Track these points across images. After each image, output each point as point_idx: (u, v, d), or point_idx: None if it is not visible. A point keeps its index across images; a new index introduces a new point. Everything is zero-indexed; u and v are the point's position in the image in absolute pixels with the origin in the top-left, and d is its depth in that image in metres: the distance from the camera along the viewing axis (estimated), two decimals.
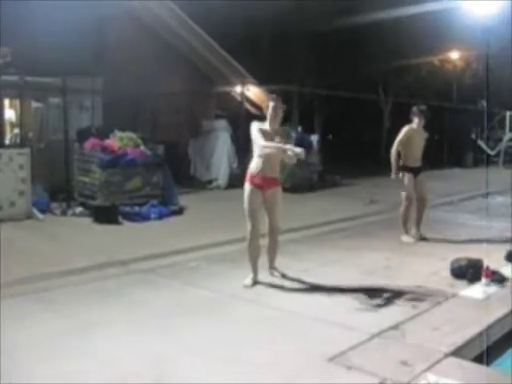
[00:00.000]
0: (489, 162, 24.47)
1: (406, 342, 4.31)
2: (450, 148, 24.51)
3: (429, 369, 3.78)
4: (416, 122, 8.13)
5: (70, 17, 11.02)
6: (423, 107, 8.24)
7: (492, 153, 25.29)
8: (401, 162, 8.16)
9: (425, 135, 8.35)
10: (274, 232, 6.10)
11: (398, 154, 8.13)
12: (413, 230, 8.26)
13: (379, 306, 5.20)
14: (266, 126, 5.96)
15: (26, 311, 5.03)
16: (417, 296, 5.46)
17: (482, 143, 25.36)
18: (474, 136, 25.71)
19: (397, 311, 5.05)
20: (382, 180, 16.49)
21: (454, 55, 24.33)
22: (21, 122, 11.75)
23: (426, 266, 6.68)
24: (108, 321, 4.82)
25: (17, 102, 11.93)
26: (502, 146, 25.45)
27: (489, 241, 7.94)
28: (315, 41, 19.48)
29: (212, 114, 15.77)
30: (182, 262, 6.87)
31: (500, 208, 12.33)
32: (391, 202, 11.58)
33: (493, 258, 6.52)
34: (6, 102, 11.98)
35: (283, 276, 6.11)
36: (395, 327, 4.59)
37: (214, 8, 16.49)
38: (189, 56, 14.87)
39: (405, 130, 8.16)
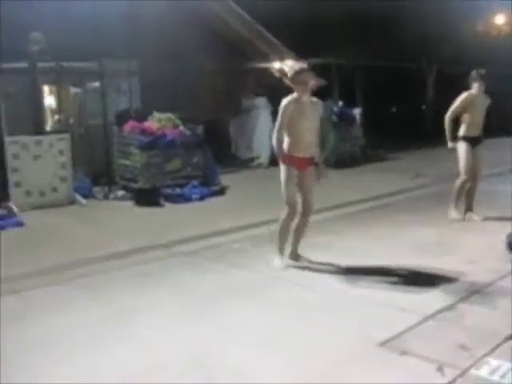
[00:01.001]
0: None
1: (463, 324, 4.05)
2: (497, 115, 23.63)
3: (489, 353, 3.52)
4: (476, 88, 7.47)
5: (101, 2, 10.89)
6: (483, 71, 7.55)
7: None
8: (460, 132, 7.54)
9: (487, 101, 7.68)
10: (307, 212, 5.74)
11: (456, 122, 7.54)
12: (462, 207, 7.71)
13: (432, 285, 4.91)
14: (297, 99, 5.50)
15: (67, 298, 4.97)
16: (472, 273, 5.16)
17: None
18: None
19: (452, 290, 4.78)
20: (428, 152, 16.14)
21: (499, 20, 23.43)
22: (59, 108, 11.73)
23: (480, 241, 6.36)
24: (151, 306, 4.70)
25: (55, 89, 11.94)
26: None
27: None
28: (353, 10, 18.93)
29: (251, 91, 15.50)
30: (226, 244, 6.73)
31: None
32: (438, 176, 11.25)
33: None
34: (46, 88, 11.99)
35: (310, 262, 5.79)
36: (451, 308, 4.33)
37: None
38: (225, 33, 14.58)
39: (463, 96, 7.52)
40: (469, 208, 7.65)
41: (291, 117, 5.43)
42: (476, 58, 21.98)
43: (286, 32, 16.28)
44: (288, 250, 5.79)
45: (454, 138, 7.48)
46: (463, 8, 19.84)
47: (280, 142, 5.49)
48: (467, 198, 7.67)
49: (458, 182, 7.60)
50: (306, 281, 5.22)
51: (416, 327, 3.98)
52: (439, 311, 4.25)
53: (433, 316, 4.16)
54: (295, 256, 5.82)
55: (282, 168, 5.59)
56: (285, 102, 5.48)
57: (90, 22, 10.53)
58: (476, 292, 4.71)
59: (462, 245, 6.28)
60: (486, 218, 7.45)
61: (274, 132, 5.55)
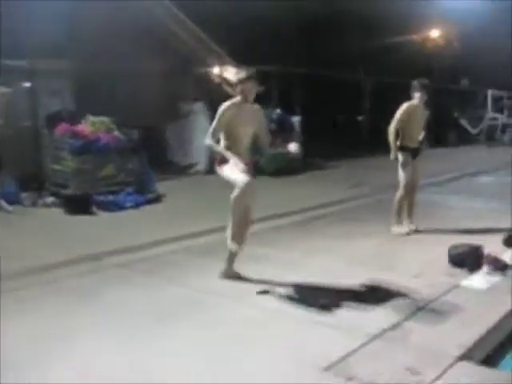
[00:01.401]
0: (471, 140, 24.27)
1: (410, 344, 3.87)
2: (432, 127, 24.13)
3: (440, 376, 3.35)
4: (418, 98, 7.32)
5: None
6: (425, 81, 7.41)
7: (474, 131, 25.06)
8: (398, 142, 7.37)
9: (426, 113, 7.58)
10: (249, 223, 5.54)
11: (397, 134, 7.37)
12: (405, 221, 7.54)
13: (376, 302, 4.72)
14: (238, 105, 5.38)
15: None
16: (414, 289, 5.01)
17: (464, 122, 25.10)
18: (456, 115, 25.41)
19: (396, 307, 4.60)
20: (365, 162, 16.23)
21: (435, 33, 24.01)
22: None
23: (421, 254, 6.26)
24: (80, 327, 4.31)
25: None
26: (484, 124, 25.22)
27: (484, 224, 7.60)
28: (294, 19, 18.94)
29: (190, 96, 15.16)
30: (161, 255, 6.39)
31: (488, 188, 12.04)
32: (376, 185, 11.25)
33: (490, 243, 6.18)
34: None
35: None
36: (396, 326, 4.15)
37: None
38: (165, 36, 14.23)
39: (404, 106, 7.36)
40: (410, 220, 7.55)
41: (229, 122, 5.30)
42: (413, 69, 22.46)
43: (226, 38, 16.07)
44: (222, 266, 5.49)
45: (397, 149, 7.35)
46: (400, 20, 20.18)
47: (212, 145, 5.35)
48: (408, 210, 7.56)
49: (398, 195, 7.44)
50: (246, 296, 4.94)
51: (361, 349, 3.78)
52: (384, 330, 4.07)
53: (378, 336, 3.97)
54: (231, 273, 5.50)
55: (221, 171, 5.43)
56: (224, 106, 5.34)
57: (24, 19, 9.99)
58: (421, 308, 4.55)
59: (403, 258, 6.15)
60: (426, 230, 7.39)
61: (207, 135, 5.35)
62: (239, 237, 5.37)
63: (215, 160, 5.46)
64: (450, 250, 5.75)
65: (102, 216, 8.68)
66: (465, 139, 24.14)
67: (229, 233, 5.37)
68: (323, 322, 4.30)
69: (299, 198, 10.02)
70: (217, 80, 15.65)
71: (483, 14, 21.81)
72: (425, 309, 4.55)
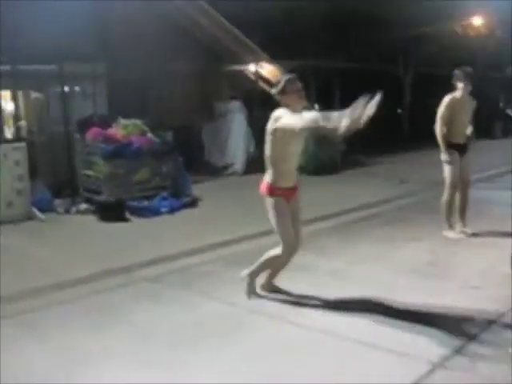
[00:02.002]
0: None
1: (479, 374, 3.36)
2: (477, 118, 23.27)
3: None
4: (462, 88, 6.67)
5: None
6: (469, 69, 6.77)
7: None
8: (444, 139, 6.69)
9: (473, 104, 6.91)
10: (300, 239, 4.84)
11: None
12: (457, 223, 6.93)
13: (433, 321, 4.18)
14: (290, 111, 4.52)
15: (7, 338, 4.18)
16: (477, 303, 4.49)
17: (510, 112, 24.10)
18: (501, 105, 24.42)
19: (456, 328, 4.06)
20: (408, 157, 15.57)
21: (477, 21, 23.05)
22: (17, 114, 10.90)
23: (479, 261, 5.71)
24: (106, 350, 3.94)
25: (17, 93, 11.11)
26: None
27: None
28: (329, 11, 18.36)
29: (225, 95, 14.77)
30: (196, 266, 6.01)
31: None
32: (423, 181, 10.66)
33: None
34: (3, 94, 11.12)
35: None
36: (460, 351, 3.64)
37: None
38: (197, 35, 13.86)
39: (447, 99, 6.72)
40: (463, 222, 6.96)
41: (286, 138, 4.46)
42: (454, 60, 21.65)
43: (260, 33, 15.65)
44: (261, 280, 5.03)
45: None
46: (440, 8, 19.40)
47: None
48: (460, 211, 6.96)
49: (445, 196, 6.82)
50: (289, 316, 4.47)
51: (424, 379, 3.28)
52: (448, 357, 3.56)
53: (441, 364, 3.46)
54: (271, 287, 5.04)
55: (268, 201, 4.68)
56: (280, 112, 4.48)
57: (54, 23, 9.75)
58: (485, 328, 4.02)
59: (459, 266, 5.61)
60: (481, 232, 6.81)
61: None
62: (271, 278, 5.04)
63: (264, 185, 4.69)
64: None
65: (136, 222, 8.32)
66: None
67: (276, 259, 4.80)
68: (377, 345, 3.81)
69: (342, 198, 9.51)
70: (253, 77, 15.25)
71: None
72: (490, 329, 4.02)
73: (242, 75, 15.09)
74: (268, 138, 4.56)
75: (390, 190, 10.22)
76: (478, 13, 22.36)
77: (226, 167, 13.35)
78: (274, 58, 14.83)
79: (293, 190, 4.72)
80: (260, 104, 14.69)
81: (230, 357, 3.78)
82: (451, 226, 6.86)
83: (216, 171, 13.11)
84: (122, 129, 9.59)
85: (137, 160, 9.34)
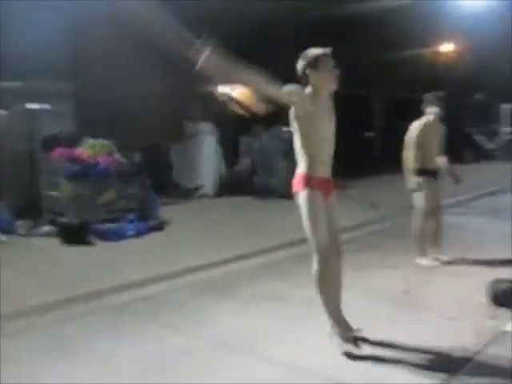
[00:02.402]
0: (487, 156, 23.56)
1: None
2: (447, 143, 23.46)
3: None
4: (433, 112, 6.57)
5: (36, 16, 9.86)
6: (440, 93, 6.67)
7: (490, 147, 24.33)
8: (415, 165, 6.53)
9: (443, 129, 6.79)
10: (340, 250, 4.27)
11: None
12: (430, 250, 6.71)
13: (411, 356, 3.96)
14: (314, 98, 4.03)
15: None
16: (455, 336, 4.30)
17: (479, 138, 24.39)
18: (470, 130, 24.71)
19: (433, 364, 3.85)
20: (378, 180, 15.50)
21: (447, 47, 23.40)
22: None
23: (454, 289, 5.55)
24: None
25: None
26: (500, 139, 24.51)
27: None
28: (301, 35, 18.39)
29: (196, 116, 14.57)
30: (162, 293, 5.73)
31: None
32: (393, 206, 10.54)
33: None
34: None
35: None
36: None
37: (198, 6, 15.32)
38: (170, 55, 13.65)
39: (418, 124, 6.60)
40: (436, 249, 6.81)
41: (310, 120, 4.00)
42: (424, 85, 21.88)
43: (233, 56, 15.52)
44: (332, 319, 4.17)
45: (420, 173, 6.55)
46: (411, 34, 19.62)
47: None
48: (434, 238, 6.81)
49: (418, 223, 6.66)
50: (259, 350, 4.21)
51: None
52: None
53: None
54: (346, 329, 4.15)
55: (302, 196, 4.07)
56: (304, 90, 4.02)
57: (21, 38, 9.49)
58: (463, 365, 3.81)
59: (434, 295, 5.45)
60: (455, 259, 6.67)
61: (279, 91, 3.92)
62: (338, 308, 4.19)
63: (294, 180, 4.15)
64: (489, 287, 5.03)
65: (101, 246, 8.02)
66: (480, 155, 23.43)
67: (327, 314, 4.16)
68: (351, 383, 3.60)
69: None
70: (225, 99, 15.12)
71: (496, 27, 21.24)
72: (469, 366, 3.81)
73: (214, 97, 14.95)
74: (293, 128, 4.07)
75: (362, 215, 10.09)
76: (449, 39, 22.70)
77: (195, 189, 13.10)
78: None
79: (330, 183, 4.17)
80: (231, 126, 14.56)
81: None
82: (424, 254, 6.70)
83: (185, 193, 12.85)
84: (88, 148, 9.30)
85: (103, 181, 9.06)
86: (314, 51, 4.02)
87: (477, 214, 10.33)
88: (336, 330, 4.07)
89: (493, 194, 12.96)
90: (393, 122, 21.73)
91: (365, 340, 4.13)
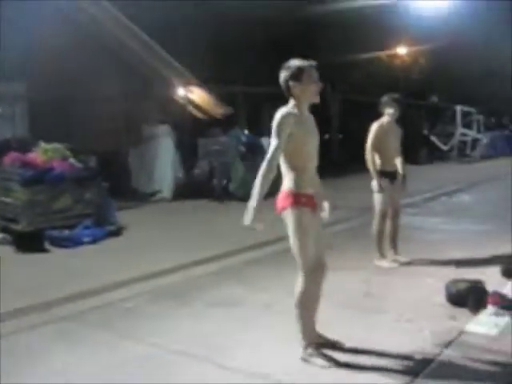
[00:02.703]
0: (442, 157, 23.98)
1: None
2: (403, 144, 23.76)
3: None
4: (389, 114, 6.63)
5: None
6: (396, 95, 6.74)
7: (445, 148, 24.77)
8: (374, 167, 6.57)
9: (400, 130, 6.87)
10: (324, 266, 4.14)
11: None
12: (389, 251, 6.79)
13: (370, 360, 3.94)
14: (295, 112, 3.93)
15: None
16: (412, 339, 4.29)
17: (434, 139, 24.81)
18: (425, 131, 25.12)
19: (392, 369, 3.82)
20: (336, 182, 15.53)
21: (402, 50, 23.74)
22: None
23: (412, 291, 5.57)
24: None
25: None
26: (455, 140, 24.98)
27: (473, 249, 7.02)
28: (256, 35, 18.37)
29: (153, 118, 14.39)
30: (118, 302, 5.58)
31: (468, 207, 11.52)
32: (353, 208, 10.60)
33: (486, 273, 5.63)
34: None
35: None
36: None
37: (151, 7, 15.16)
38: (126, 57, 13.49)
39: (374, 128, 6.61)
40: (395, 250, 6.86)
41: (295, 136, 3.88)
42: (380, 87, 22.12)
43: (190, 59, 15.42)
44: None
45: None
46: (367, 37, 19.77)
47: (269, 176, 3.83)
48: (391, 239, 6.84)
49: (375, 225, 6.70)
50: (215, 356, 4.13)
51: None
52: None
53: None
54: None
55: (290, 214, 3.94)
56: (282, 113, 3.90)
57: None
58: (425, 366, 3.81)
59: (393, 296, 5.44)
60: (412, 260, 6.72)
61: (266, 160, 3.84)
62: (312, 322, 4.08)
63: (284, 196, 3.98)
64: (448, 287, 5.07)
65: (56, 253, 7.83)
66: (436, 156, 23.84)
67: (298, 327, 4.02)
68: None
69: (272, 226, 9.26)
70: (182, 101, 14.96)
71: (450, 29, 21.65)
72: (429, 368, 3.80)
73: (171, 99, 14.79)
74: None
75: None
76: (404, 42, 23.03)
77: (153, 193, 12.95)
78: (203, 82, 14.62)
79: (317, 198, 4.00)
80: (188, 128, 14.44)
81: None
82: (383, 255, 6.73)
83: (143, 197, 12.69)
84: (42, 153, 9.06)
85: (58, 186, 8.82)
86: (298, 63, 3.96)
87: (432, 215, 10.46)
88: (307, 344, 3.99)
89: (448, 194, 13.17)
90: (350, 124, 21.95)
91: (324, 345, 4.09)
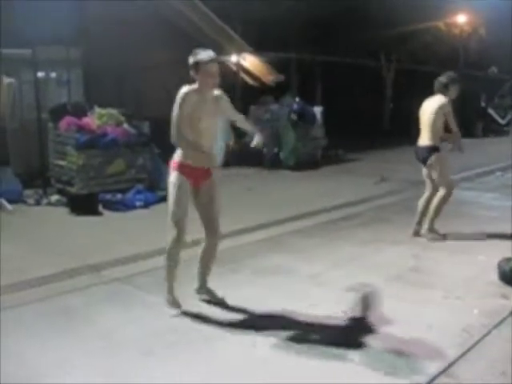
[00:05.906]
0: (499, 131, 23.24)
1: None
2: (457, 117, 23.15)
3: None
4: (453, 91, 6.51)
5: None
6: (453, 75, 6.64)
7: (503, 122, 23.99)
8: (435, 141, 6.52)
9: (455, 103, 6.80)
10: (213, 237, 4.72)
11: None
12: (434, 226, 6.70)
13: (418, 338, 3.90)
14: (196, 92, 4.34)
15: None
16: (462, 316, 4.26)
17: (492, 111, 24.03)
18: (483, 104, 24.32)
19: (441, 345, 3.79)
20: (388, 153, 15.35)
21: (461, 19, 22.93)
22: None
23: (464, 267, 5.51)
24: (63, 363, 3.64)
25: None
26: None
27: None
28: (313, 5, 18.09)
29: None
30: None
31: None
32: (404, 180, 10.48)
33: None
34: None
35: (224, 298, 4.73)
36: (445, 372, 3.41)
37: None
38: (179, 24, 13.47)
39: (442, 102, 6.46)
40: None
41: (190, 112, 4.30)
42: (437, 57, 21.55)
43: (244, 26, 15.33)
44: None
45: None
46: (424, 5, 19.25)
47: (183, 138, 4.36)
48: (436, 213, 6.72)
49: (438, 198, 6.58)
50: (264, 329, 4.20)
51: None
52: (434, 377, 3.33)
53: None
54: (206, 291, 4.78)
55: (173, 176, 4.49)
56: (184, 90, 4.32)
57: (28, 6, 9.36)
58: (473, 346, 3.76)
59: (443, 272, 5.38)
60: (464, 236, 6.62)
61: (174, 128, 4.35)
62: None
63: (172, 161, 4.52)
64: (500, 265, 4.99)
65: (109, 216, 8.00)
66: (493, 129, 23.12)
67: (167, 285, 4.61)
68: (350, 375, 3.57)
69: (322, 195, 9.27)
70: (235, 68, 14.93)
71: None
72: (477, 346, 3.77)
73: (224, 66, 14.76)
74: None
75: (370, 188, 10.03)
76: (463, 11, 22.26)
77: None
78: (256, 49, 14.52)
79: (200, 172, 4.46)
80: (241, 95, 14.40)
81: (201, 371, 3.52)
82: (433, 229, 6.66)
83: None
84: (96, 118, 9.23)
85: (111, 151, 9.01)
86: (198, 56, 4.31)
87: (486, 190, 10.23)
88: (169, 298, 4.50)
89: (503, 169, 12.82)
90: (404, 94, 21.46)
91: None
